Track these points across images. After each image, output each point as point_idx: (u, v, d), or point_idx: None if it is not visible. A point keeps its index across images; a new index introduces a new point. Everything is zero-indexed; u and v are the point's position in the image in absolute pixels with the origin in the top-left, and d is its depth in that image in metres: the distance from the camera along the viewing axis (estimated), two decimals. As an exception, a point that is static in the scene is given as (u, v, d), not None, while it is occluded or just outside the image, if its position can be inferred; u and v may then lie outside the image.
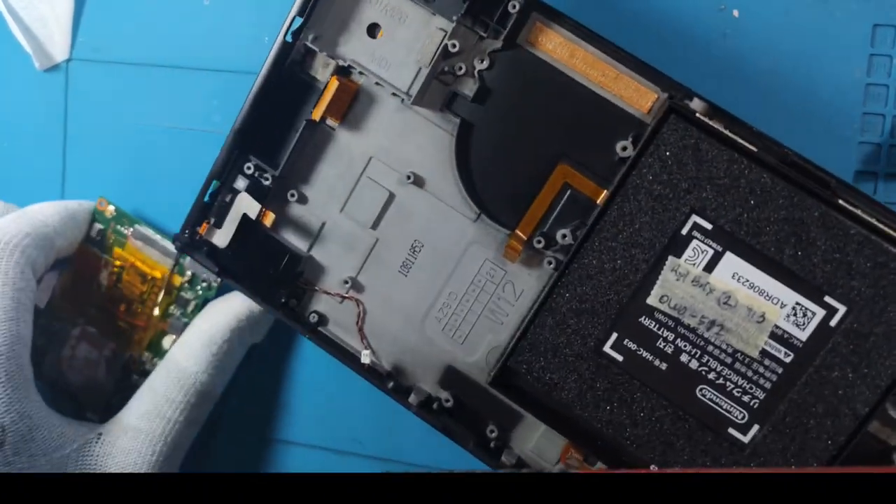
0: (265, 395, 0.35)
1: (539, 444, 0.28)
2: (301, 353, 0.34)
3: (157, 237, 0.34)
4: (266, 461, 0.35)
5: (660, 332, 0.25)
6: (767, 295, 0.24)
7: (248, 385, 0.35)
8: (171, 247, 0.34)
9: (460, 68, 0.27)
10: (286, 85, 0.28)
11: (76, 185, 0.36)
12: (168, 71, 0.35)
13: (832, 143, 0.30)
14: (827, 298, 0.23)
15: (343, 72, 0.28)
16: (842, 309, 0.23)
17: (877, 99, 0.29)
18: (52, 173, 0.37)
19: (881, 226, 0.22)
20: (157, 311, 0.34)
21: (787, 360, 0.24)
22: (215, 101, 0.34)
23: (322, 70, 0.28)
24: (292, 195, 0.29)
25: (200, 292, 0.34)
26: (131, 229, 0.34)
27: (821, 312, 0.23)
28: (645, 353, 0.25)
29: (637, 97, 0.25)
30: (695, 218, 0.24)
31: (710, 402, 0.25)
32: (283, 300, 0.29)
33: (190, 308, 0.34)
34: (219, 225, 0.29)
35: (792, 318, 0.24)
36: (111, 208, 0.34)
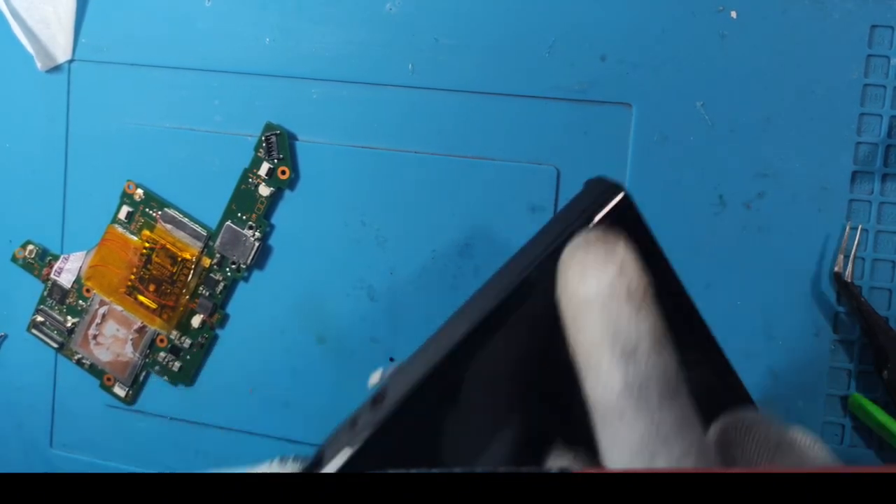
0: (264, 392, 0.35)
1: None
2: (301, 351, 0.35)
3: (186, 220, 0.35)
4: (264, 460, 0.36)
5: None
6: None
7: (245, 383, 0.35)
8: (199, 229, 0.35)
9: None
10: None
11: (78, 185, 0.37)
12: (170, 72, 0.35)
13: (829, 144, 0.30)
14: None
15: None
16: None
17: (874, 99, 0.29)
18: (54, 174, 0.37)
19: None
20: (186, 292, 0.35)
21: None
22: (217, 101, 0.35)
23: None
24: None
25: (229, 274, 0.35)
26: (160, 212, 0.35)
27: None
28: None
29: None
30: None
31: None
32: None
33: (219, 289, 0.35)
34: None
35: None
36: (140, 191, 0.36)
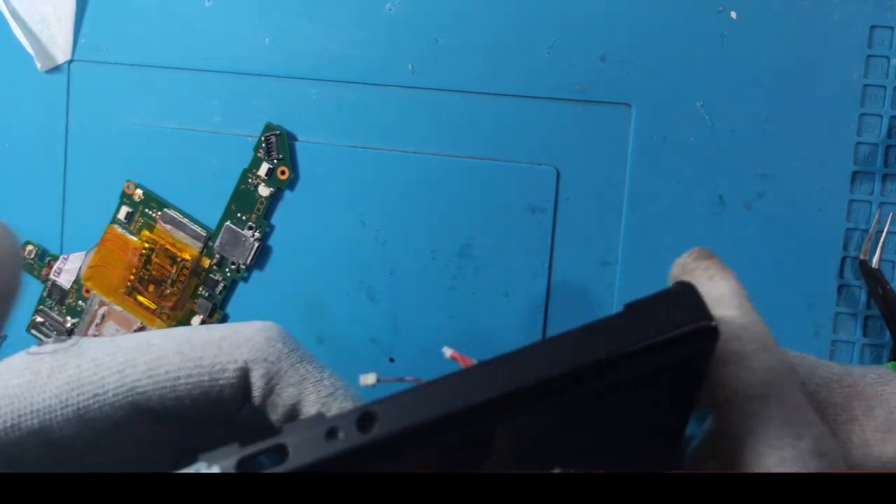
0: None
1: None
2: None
3: (186, 220, 0.35)
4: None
5: None
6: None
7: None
8: (199, 230, 0.35)
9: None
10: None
11: (78, 185, 0.37)
12: (169, 72, 0.35)
13: (829, 144, 0.30)
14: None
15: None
16: None
17: (874, 100, 0.29)
18: (53, 174, 0.37)
19: None
20: (186, 292, 0.35)
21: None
22: (216, 101, 0.35)
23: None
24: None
25: (229, 274, 0.35)
26: (160, 213, 0.35)
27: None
28: None
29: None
30: None
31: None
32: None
33: (218, 290, 0.35)
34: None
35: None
36: (139, 192, 0.36)
